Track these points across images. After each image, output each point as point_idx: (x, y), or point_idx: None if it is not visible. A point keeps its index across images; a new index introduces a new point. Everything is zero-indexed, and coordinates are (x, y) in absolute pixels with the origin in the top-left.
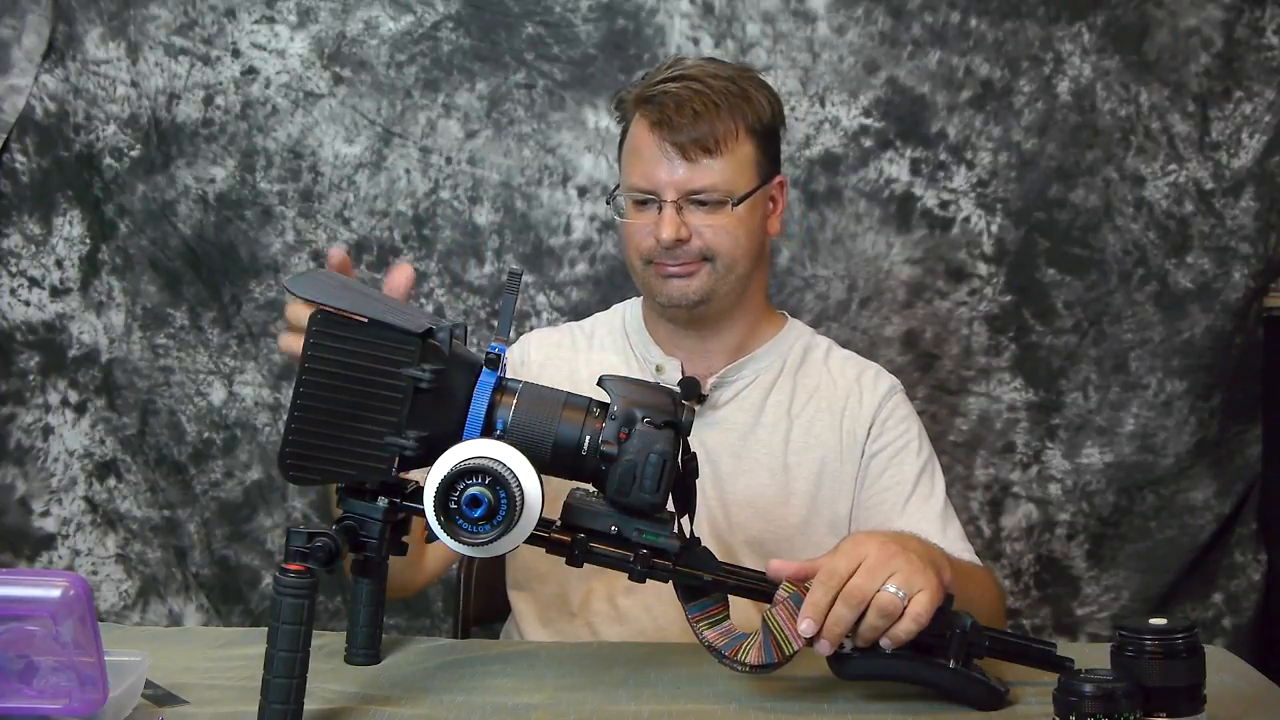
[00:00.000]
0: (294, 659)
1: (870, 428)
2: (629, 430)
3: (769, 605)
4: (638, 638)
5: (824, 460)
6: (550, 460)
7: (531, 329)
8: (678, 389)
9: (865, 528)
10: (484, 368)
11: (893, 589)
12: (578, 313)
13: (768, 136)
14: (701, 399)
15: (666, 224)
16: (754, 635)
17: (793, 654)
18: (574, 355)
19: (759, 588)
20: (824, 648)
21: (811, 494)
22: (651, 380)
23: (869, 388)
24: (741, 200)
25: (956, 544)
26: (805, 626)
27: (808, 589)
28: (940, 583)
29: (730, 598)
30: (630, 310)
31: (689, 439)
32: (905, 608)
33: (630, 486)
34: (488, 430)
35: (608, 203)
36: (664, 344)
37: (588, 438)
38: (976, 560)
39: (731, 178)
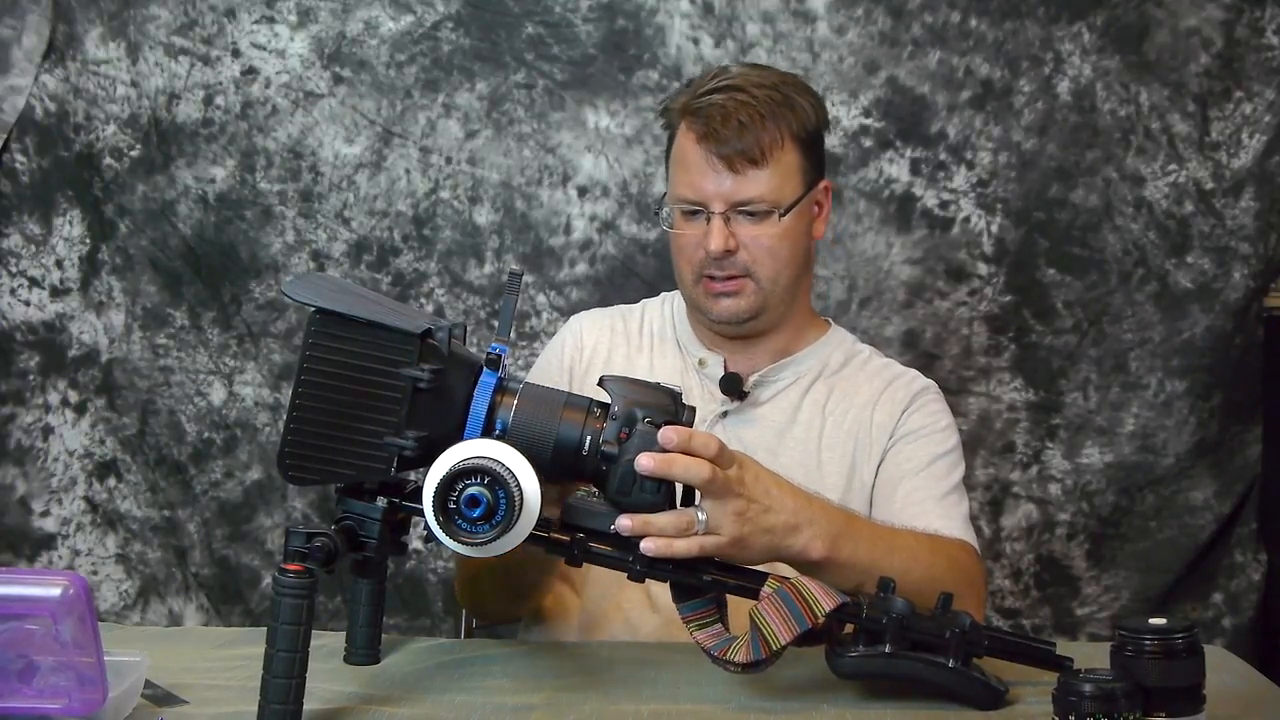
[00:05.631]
0: (294, 659)
1: (900, 415)
2: (630, 430)
3: (755, 602)
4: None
5: (855, 454)
6: (551, 460)
7: (531, 329)
8: (718, 384)
9: (875, 500)
10: (485, 368)
11: (702, 515)
12: (577, 313)
13: (812, 143)
14: (743, 395)
15: (715, 235)
16: (743, 635)
17: (781, 649)
18: (628, 352)
19: (758, 588)
20: (623, 523)
21: (844, 486)
22: (697, 373)
23: (904, 385)
24: (788, 210)
25: (953, 522)
26: (645, 464)
27: (795, 586)
28: (745, 547)
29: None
30: (676, 302)
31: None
32: (696, 533)
33: (631, 487)
34: (488, 431)
35: (655, 214)
36: (707, 341)
37: (589, 438)
38: (967, 540)
39: (777, 187)
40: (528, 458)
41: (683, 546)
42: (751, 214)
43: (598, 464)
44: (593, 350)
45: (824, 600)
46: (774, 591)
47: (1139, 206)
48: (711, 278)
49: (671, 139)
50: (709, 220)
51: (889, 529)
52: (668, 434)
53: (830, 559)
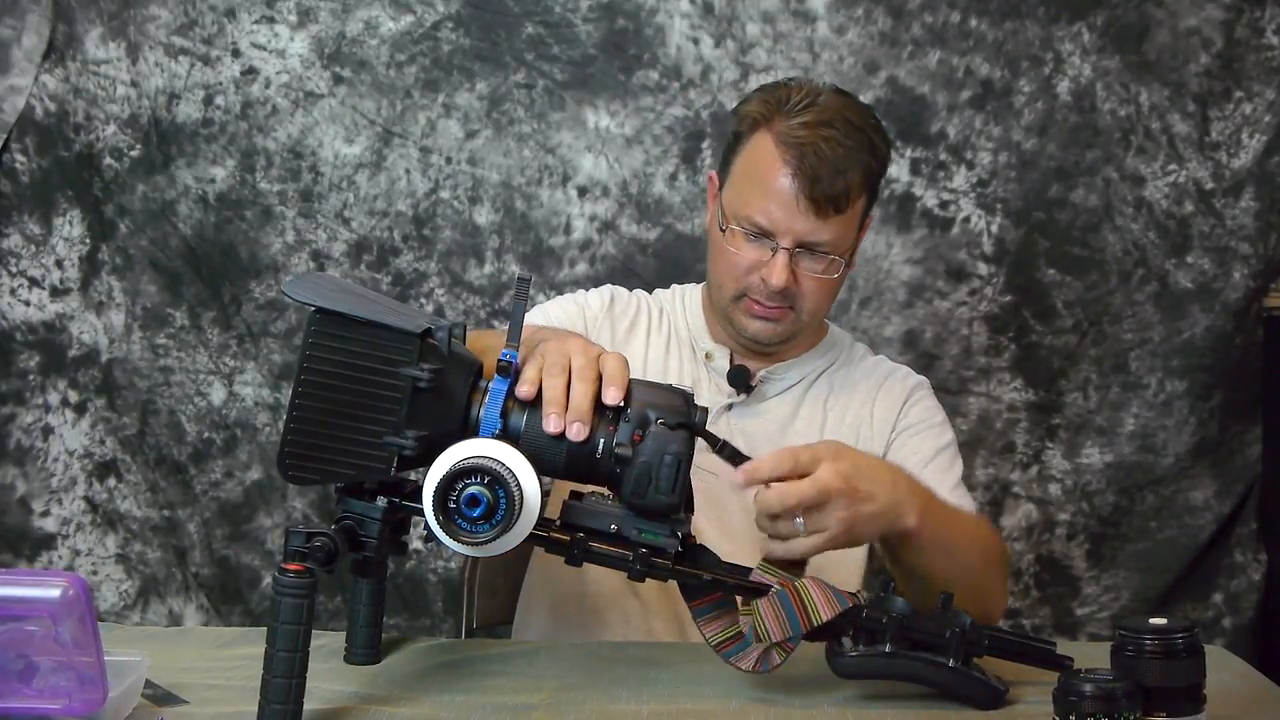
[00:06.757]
0: (294, 659)
1: (900, 409)
2: (643, 432)
3: (754, 601)
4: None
5: (856, 445)
6: (565, 465)
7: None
8: (725, 376)
9: None
10: (496, 375)
11: (800, 521)
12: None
13: (875, 187)
14: (749, 389)
15: (779, 271)
16: (757, 644)
17: (788, 645)
18: (625, 335)
19: (757, 587)
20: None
21: None
22: (704, 365)
23: (900, 380)
24: (850, 258)
25: (966, 505)
26: (740, 478)
27: (796, 587)
28: (855, 531)
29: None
30: (689, 296)
31: (715, 427)
32: (796, 536)
33: (646, 488)
34: (500, 438)
35: (721, 230)
36: (718, 336)
37: (601, 441)
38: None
39: (845, 234)
40: (541, 462)
41: (800, 547)
42: (814, 254)
43: (611, 467)
44: (616, 318)
45: (824, 609)
46: (775, 594)
47: (1139, 206)
48: (757, 302)
49: (737, 141)
50: (774, 252)
51: (949, 505)
52: (742, 479)
53: (918, 531)
